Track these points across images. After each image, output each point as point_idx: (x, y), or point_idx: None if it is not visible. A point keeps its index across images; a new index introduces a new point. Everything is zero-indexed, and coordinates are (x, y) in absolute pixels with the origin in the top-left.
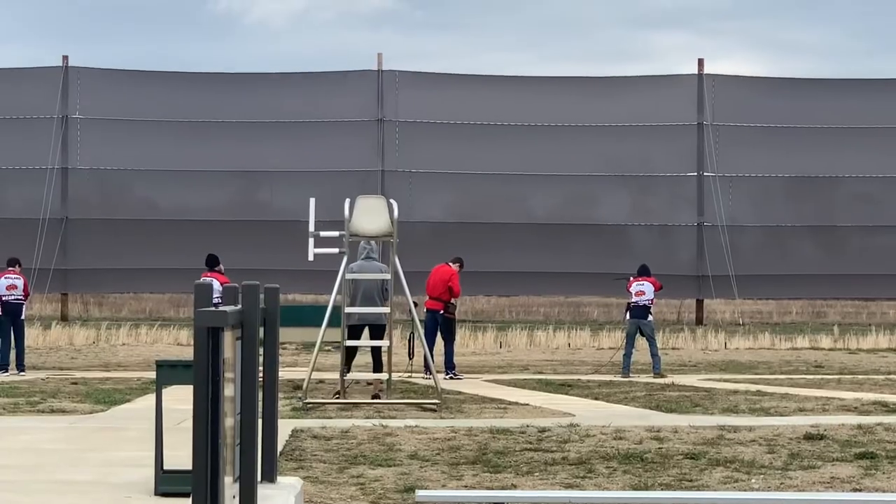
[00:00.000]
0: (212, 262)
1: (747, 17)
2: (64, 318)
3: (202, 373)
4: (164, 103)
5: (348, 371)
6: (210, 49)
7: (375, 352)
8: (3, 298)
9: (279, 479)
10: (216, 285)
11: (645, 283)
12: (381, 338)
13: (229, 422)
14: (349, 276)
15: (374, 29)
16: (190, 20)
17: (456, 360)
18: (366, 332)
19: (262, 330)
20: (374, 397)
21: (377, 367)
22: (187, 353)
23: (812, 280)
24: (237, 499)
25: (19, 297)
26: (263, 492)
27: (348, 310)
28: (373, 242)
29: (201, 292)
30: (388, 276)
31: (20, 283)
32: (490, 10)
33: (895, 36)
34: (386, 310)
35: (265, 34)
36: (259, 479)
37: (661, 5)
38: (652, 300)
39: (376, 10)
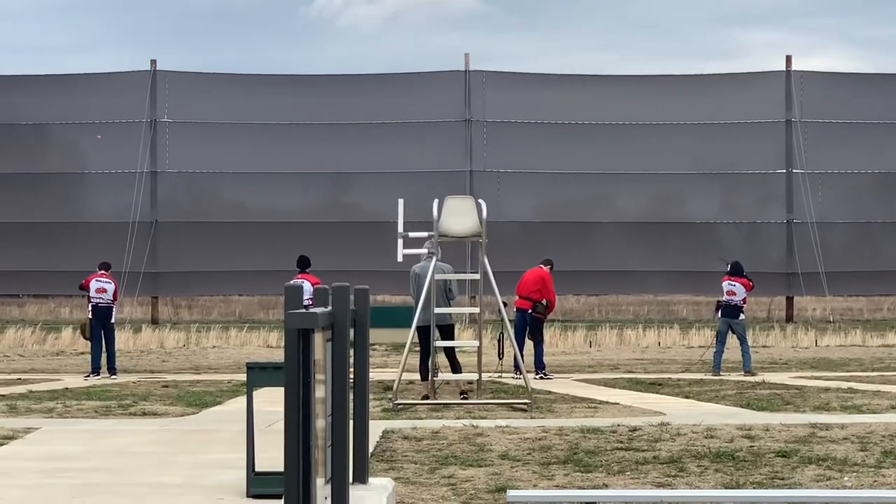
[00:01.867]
0: (303, 264)
1: (835, 13)
2: (154, 322)
3: (293, 375)
4: (251, 106)
5: (436, 372)
6: (302, 52)
7: (449, 351)
8: (93, 301)
9: (371, 479)
10: (307, 287)
11: (736, 283)
12: (450, 338)
13: (320, 423)
14: (418, 274)
15: (462, 31)
16: (282, 24)
17: (546, 359)
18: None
19: (352, 331)
20: (461, 394)
21: (454, 367)
22: (277, 356)
23: None
24: (329, 500)
25: (108, 301)
26: (355, 493)
27: (438, 311)
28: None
29: (292, 294)
30: (452, 276)
31: (110, 287)
32: (576, 10)
33: None
34: (475, 310)
35: (357, 37)
36: (351, 480)
37: (748, 3)
38: (744, 299)
39: (465, 12)
